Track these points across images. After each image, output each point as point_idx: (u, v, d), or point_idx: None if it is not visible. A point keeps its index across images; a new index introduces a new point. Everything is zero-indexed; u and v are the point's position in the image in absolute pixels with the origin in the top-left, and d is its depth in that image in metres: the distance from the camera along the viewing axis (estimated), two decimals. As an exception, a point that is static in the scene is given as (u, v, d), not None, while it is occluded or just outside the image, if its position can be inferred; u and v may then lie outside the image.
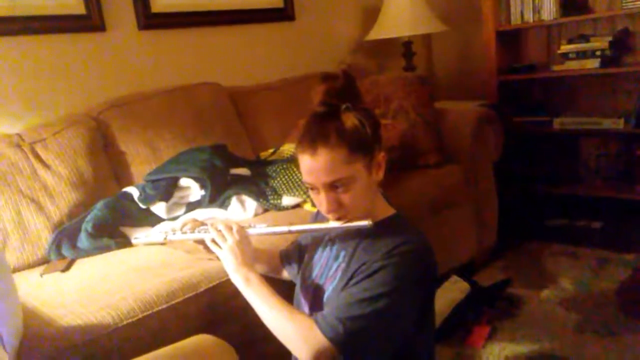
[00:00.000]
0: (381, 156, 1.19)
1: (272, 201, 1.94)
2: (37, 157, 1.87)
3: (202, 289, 1.44)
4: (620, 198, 2.99)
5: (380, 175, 1.20)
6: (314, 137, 1.12)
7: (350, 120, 1.14)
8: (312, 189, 1.17)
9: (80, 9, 2.19)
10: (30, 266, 1.76)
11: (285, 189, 1.97)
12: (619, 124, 2.96)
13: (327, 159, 1.10)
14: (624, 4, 2.84)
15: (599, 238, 2.73)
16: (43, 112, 2.10)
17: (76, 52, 2.22)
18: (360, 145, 1.13)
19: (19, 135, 1.91)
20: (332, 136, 1.11)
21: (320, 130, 1.12)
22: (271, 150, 2.30)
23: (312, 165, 1.12)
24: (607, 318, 2.00)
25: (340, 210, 1.16)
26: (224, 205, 1.92)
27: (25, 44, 2.08)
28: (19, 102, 2.08)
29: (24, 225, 1.76)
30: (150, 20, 2.41)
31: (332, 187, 1.13)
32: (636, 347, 1.81)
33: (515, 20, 3.21)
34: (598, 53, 2.95)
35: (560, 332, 1.95)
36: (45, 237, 1.79)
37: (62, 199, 1.85)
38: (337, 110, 1.16)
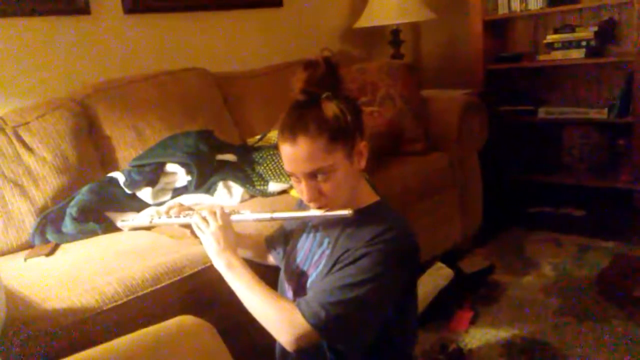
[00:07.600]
0: (362, 145, 1.18)
1: (258, 187, 1.94)
2: (21, 141, 1.85)
3: (186, 274, 1.44)
4: (602, 186, 3.03)
5: (362, 164, 1.20)
6: (294, 127, 1.11)
7: (330, 109, 1.13)
8: (293, 177, 1.17)
9: (64, -9, 2.16)
10: (14, 250, 1.75)
11: (271, 175, 1.97)
12: (603, 114, 2.99)
13: (307, 148, 1.10)
14: (609, -6, 2.87)
15: (581, 226, 2.77)
16: (26, 96, 2.07)
17: (60, 36, 2.19)
18: (340, 134, 1.12)
19: (2, 118, 1.89)
20: (312, 125, 1.10)
21: (300, 119, 1.12)
22: (258, 137, 2.29)
23: (292, 154, 1.12)
24: (588, 304, 2.04)
25: (320, 199, 1.16)
26: (210, 191, 1.92)
27: (7, 26, 2.05)
28: (2, 85, 2.05)
29: (8, 210, 1.75)
30: (136, 4, 2.38)
31: (312, 176, 1.13)
32: (615, 332, 1.85)
33: (503, 9, 3.23)
34: (583, 43, 2.98)
35: (542, 317, 1.98)
36: (29, 221, 1.78)
37: (46, 183, 1.84)
38: (318, 99, 1.15)
